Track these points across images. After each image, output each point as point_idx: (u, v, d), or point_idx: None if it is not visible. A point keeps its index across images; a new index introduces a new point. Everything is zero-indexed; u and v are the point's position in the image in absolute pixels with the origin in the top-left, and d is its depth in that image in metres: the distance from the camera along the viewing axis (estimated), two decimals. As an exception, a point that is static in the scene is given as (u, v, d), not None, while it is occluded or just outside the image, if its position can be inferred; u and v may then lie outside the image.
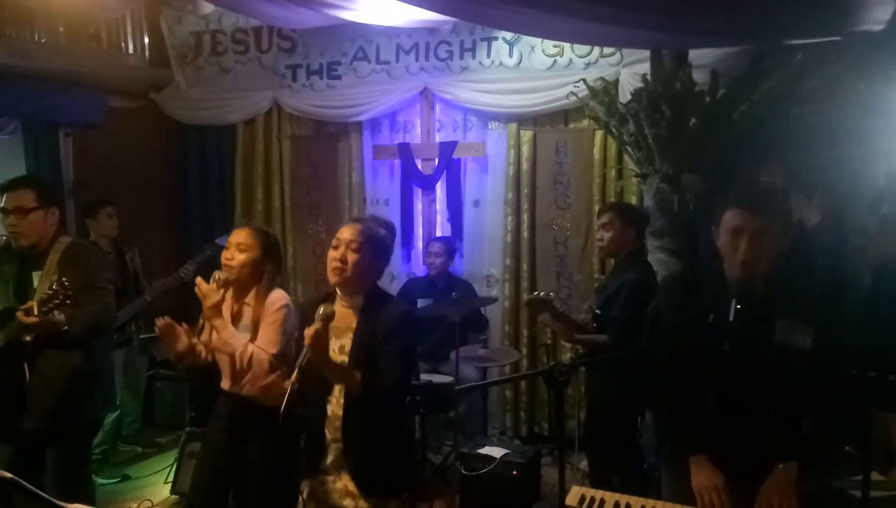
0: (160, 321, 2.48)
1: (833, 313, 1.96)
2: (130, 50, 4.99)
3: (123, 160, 4.92)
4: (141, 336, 4.33)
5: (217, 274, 2.49)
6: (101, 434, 3.87)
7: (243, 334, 2.50)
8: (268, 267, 2.57)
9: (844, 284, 2.90)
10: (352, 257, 2.11)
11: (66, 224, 3.78)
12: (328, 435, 2.17)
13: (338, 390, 2.16)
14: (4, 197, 2.74)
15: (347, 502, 2.15)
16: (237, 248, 2.53)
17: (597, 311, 3.24)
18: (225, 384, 2.58)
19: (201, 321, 2.53)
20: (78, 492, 2.69)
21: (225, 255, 2.55)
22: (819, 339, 1.84)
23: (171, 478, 3.84)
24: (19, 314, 2.50)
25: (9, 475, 1.54)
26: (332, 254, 2.14)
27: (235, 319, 2.57)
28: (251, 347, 2.43)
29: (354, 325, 2.16)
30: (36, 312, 2.49)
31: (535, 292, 3.32)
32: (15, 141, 4.40)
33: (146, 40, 5.10)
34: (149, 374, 4.60)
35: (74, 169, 4.72)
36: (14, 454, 2.75)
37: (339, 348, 2.16)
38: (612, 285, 3.20)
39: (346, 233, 2.14)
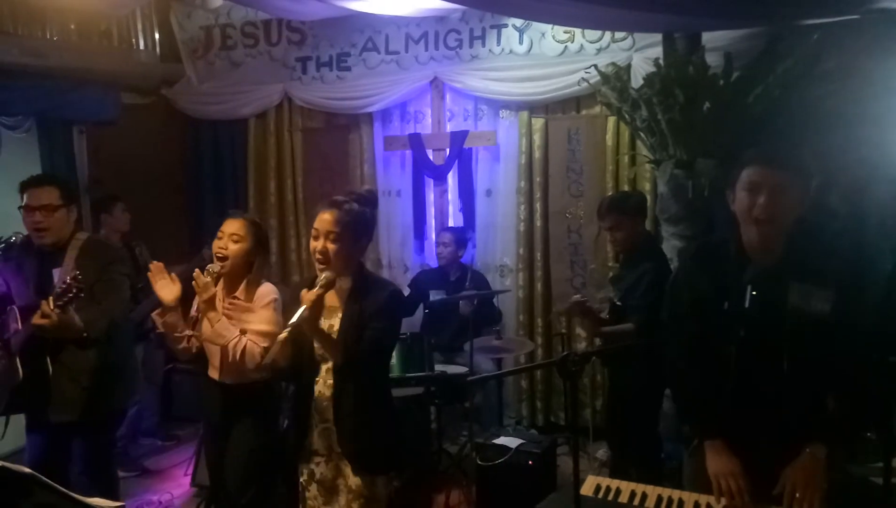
0: (153, 264, 2.49)
1: (854, 279, 1.85)
2: (141, 46, 5.01)
3: (136, 156, 4.94)
4: (157, 331, 4.35)
5: (211, 267, 2.50)
6: (122, 427, 3.91)
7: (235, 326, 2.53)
8: (257, 259, 2.59)
9: (865, 266, 2.84)
10: (332, 247, 2.11)
11: (82, 221, 3.81)
12: (315, 416, 2.21)
13: (324, 370, 2.19)
14: (27, 194, 2.75)
15: (340, 482, 2.21)
16: (230, 238, 2.54)
17: (617, 303, 3.19)
18: (213, 374, 2.63)
19: (194, 313, 2.57)
20: (103, 482, 2.74)
21: (217, 245, 2.55)
22: (839, 303, 1.76)
23: (190, 470, 3.89)
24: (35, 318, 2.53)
25: (28, 470, 1.55)
26: (313, 244, 2.14)
27: None
28: (244, 339, 2.45)
29: (342, 306, 2.19)
30: (52, 306, 2.51)
31: (576, 297, 3.29)
32: (30, 139, 4.43)
33: (157, 36, 5.11)
34: (167, 368, 4.63)
35: (89, 166, 4.76)
36: (44, 446, 2.79)
37: (328, 327, 2.18)
38: (631, 274, 3.14)
39: (324, 223, 2.13)
